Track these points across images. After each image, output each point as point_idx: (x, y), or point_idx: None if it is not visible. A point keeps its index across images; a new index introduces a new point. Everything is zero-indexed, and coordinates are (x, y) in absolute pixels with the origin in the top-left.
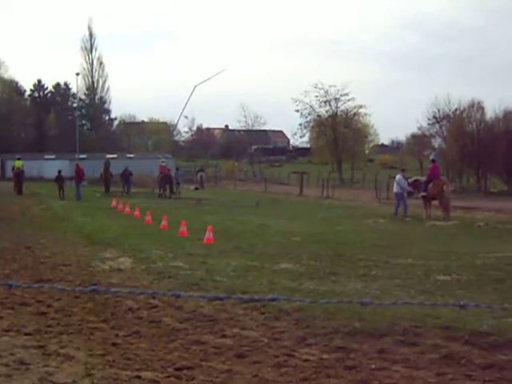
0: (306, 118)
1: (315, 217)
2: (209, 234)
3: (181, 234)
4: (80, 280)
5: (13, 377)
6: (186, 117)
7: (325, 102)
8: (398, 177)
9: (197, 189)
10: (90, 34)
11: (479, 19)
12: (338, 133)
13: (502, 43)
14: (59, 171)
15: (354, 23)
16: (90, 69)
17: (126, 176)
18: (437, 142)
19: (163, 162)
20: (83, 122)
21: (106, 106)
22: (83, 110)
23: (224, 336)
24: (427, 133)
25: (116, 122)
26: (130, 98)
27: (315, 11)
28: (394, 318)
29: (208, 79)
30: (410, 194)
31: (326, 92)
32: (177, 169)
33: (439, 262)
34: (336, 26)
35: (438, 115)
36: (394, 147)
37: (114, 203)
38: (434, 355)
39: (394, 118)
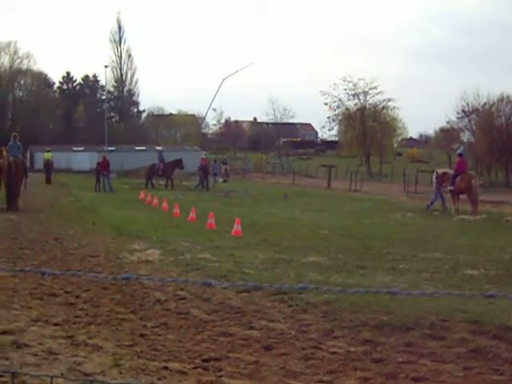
0: (335, 111)
1: (343, 210)
2: (237, 227)
3: (209, 227)
4: (108, 271)
5: (41, 366)
6: (214, 109)
7: (353, 95)
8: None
9: (225, 181)
10: (119, 27)
11: (500, 11)
12: (367, 126)
13: None
14: (98, 163)
15: (380, 17)
16: (118, 61)
17: (205, 170)
18: (465, 136)
19: (204, 154)
20: (112, 114)
21: (134, 98)
22: (112, 103)
23: (251, 328)
24: (456, 127)
25: (144, 115)
26: (159, 90)
27: (342, 5)
28: (422, 312)
29: (236, 72)
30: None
31: (355, 85)
32: (214, 161)
33: (467, 257)
34: (362, 19)
35: (466, 109)
36: (423, 141)
37: (142, 195)
38: (461, 349)
39: (422, 112)
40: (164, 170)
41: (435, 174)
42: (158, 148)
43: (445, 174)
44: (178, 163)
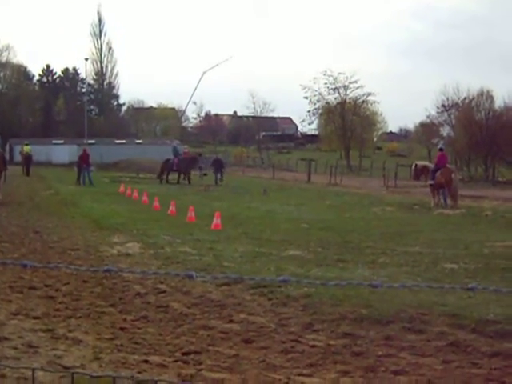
0: (315, 104)
1: (323, 204)
2: (216, 220)
3: (189, 220)
4: (88, 264)
5: (21, 359)
6: (194, 103)
7: (333, 89)
8: None
9: (205, 175)
10: (99, 19)
11: (484, 7)
12: (347, 120)
13: (509, 31)
14: (79, 156)
15: (362, 12)
16: (98, 54)
17: (219, 165)
18: (445, 131)
19: (186, 147)
20: (92, 107)
21: (114, 91)
22: (92, 96)
23: (231, 321)
24: (436, 121)
25: (124, 108)
26: (139, 83)
27: (324, 0)
28: (401, 305)
29: (216, 65)
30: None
31: (335, 79)
32: (199, 155)
33: (446, 251)
34: (344, 14)
35: (446, 103)
36: (403, 135)
37: (121, 188)
38: (440, 343)
39: (402, 107)
40: (178, 164)
41: (414, 165)
42: (174, 143)
43: (425, 167)
44: (194, 161)
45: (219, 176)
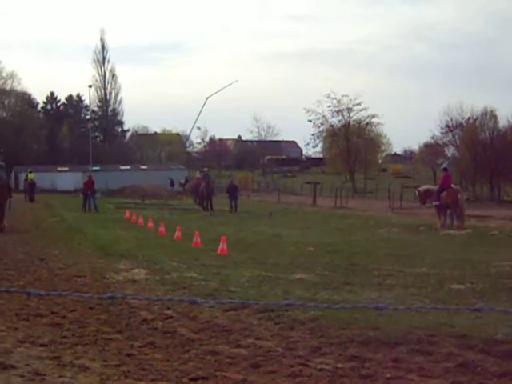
0: (319, 127)
1: (329, 227)
2: (222, 245)
3: (194, 245)
4: (95, 291)
5: None
6: (198, 128)
7: (337, 111)
8: None
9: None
10: (103, 46)
11: (489, 29)
12: (351, 142)
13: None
14: (84, 183)
15: (366, 34)
16: (102, 81)
17: (233, 190)
18: (450, 151)
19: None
20: (96, 133)
21: (118, 117)
22: (96, 122)
23: (239, 346)
24: (440, 142)
25: (129, 134)
26: (143, 109)
27: (327, 22)
28: (409, 327)
29: (220, 90)
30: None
31: (339, 102)
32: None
33: (453, 271)
34: (348, 36)
35: (450, 124)
36: (407, 156)
37: (127, 215)
38: (448, 364)
39: (406, 128)
40: (203, 190)
41: (417, 192)
42: (204, 169)
43: (427, 190)
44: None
45: (234, 203)
